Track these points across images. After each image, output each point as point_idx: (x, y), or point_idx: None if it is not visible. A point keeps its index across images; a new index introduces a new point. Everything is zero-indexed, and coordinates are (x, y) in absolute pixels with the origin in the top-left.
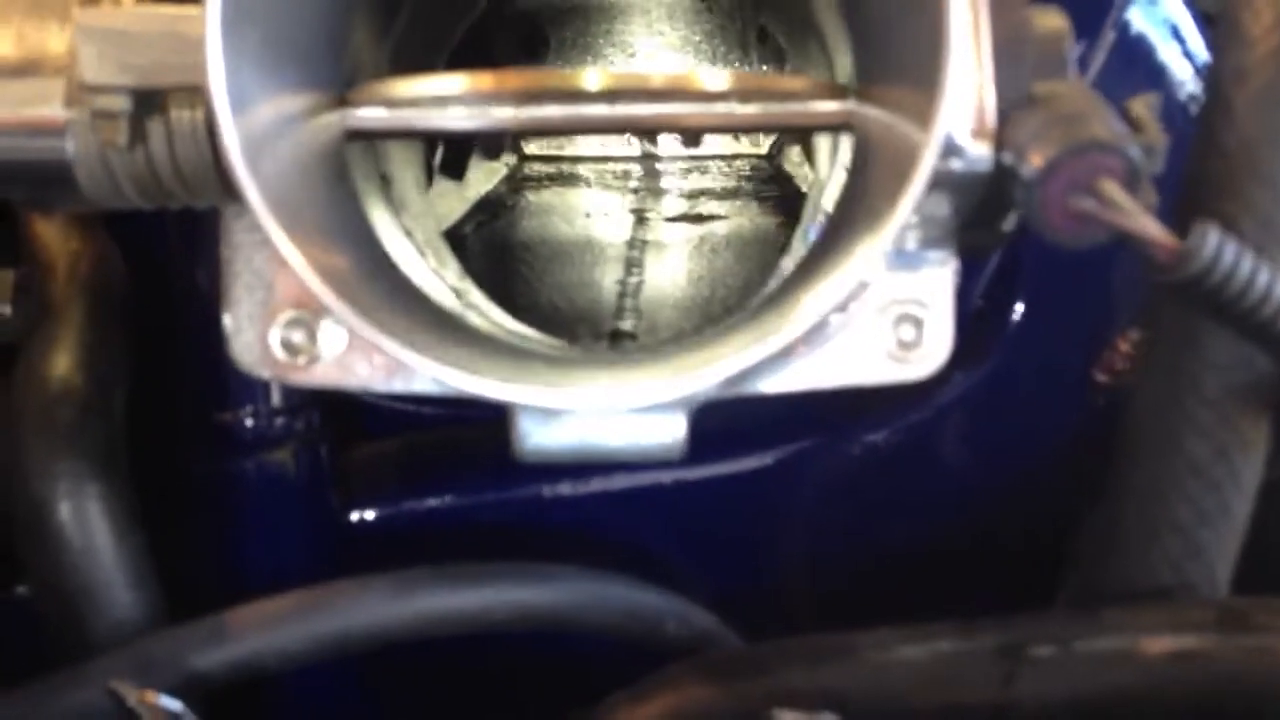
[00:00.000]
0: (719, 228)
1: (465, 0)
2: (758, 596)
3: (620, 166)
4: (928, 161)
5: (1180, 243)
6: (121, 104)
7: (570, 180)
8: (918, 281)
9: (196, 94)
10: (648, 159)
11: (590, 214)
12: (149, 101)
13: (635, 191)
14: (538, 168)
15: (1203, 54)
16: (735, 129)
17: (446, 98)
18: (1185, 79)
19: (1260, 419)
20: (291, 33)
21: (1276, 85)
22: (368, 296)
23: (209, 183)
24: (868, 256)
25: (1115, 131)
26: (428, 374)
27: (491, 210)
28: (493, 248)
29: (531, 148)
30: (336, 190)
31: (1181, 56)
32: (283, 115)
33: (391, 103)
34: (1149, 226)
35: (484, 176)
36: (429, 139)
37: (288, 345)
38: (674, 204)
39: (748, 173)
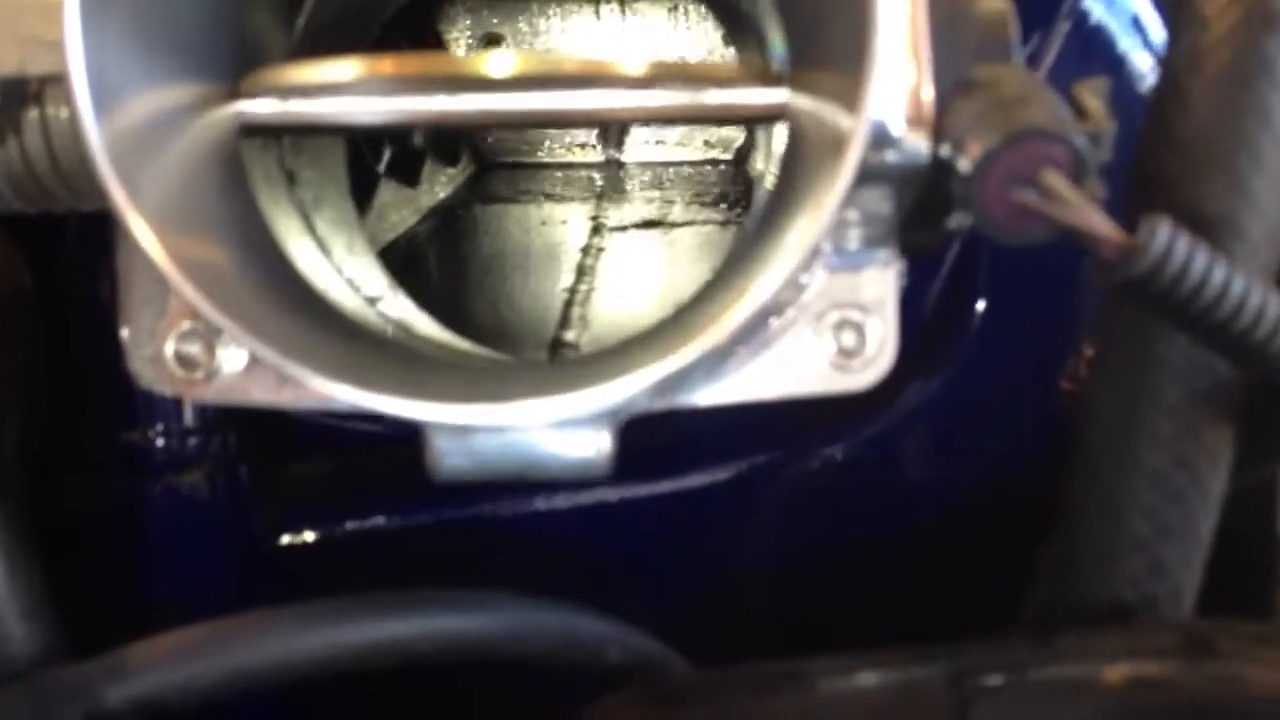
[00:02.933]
0: (678, 235)
1: None
2: (711, 621)
3: (583, 174)
4: (855, 150)
5: (1128, 238)
6: None
7: (530, 187)
8: (860, 284)
9: None
10: (611, 164)
11: (547, 222)
12: (17, 92)
13: (597, 199)
14: (497, 175)
15: (1164, 45)
16: (658, 119)
17: (342, 84)
18: (1145, 72)
19: (1223, 426)
20: (172, 13)
21: (1233, 70)
22: (258, 305)
23: (94, 185)
24: (794, 254)
25: (1059, 118)
26: (316, 388)
27: (445, 218)
28: (445, 257)
29: (490, 154)
30: (231, 193)
31: (1142, 48)
32: (163, 108)
33: (284, 91)
34: (1095, 221)
35: (440, 184)
36: (357, 138)
37: (183, 359)
38: (635, 211)
39: (714, 179)
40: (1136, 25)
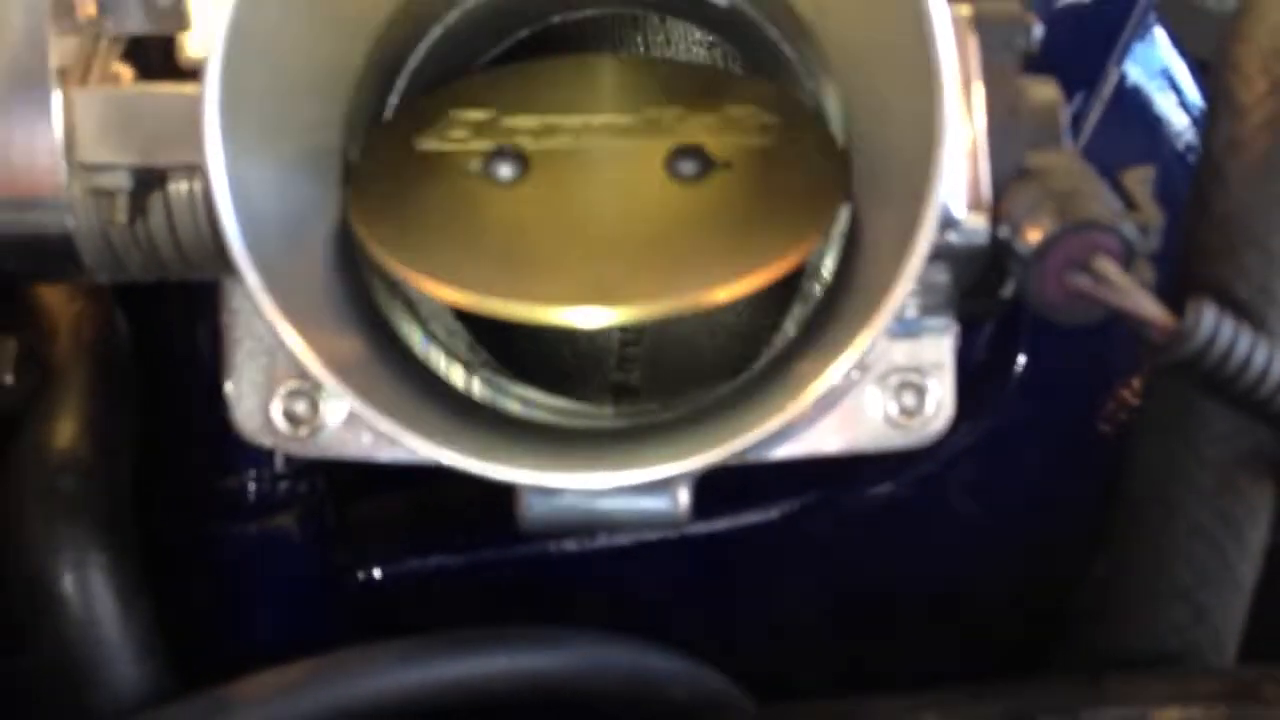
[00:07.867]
0: None
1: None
2: (764, 654)
3: None
4: (923, 241)
5: (1176, 321)
6: (121, 182)
7: None
8: (918, 349)
9: (195, 168)
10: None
11: None
12: (149, 179)
13: None
14: None
15: (1199, 101)
16: None
17: None
18: (1182, 128)
19: (1264, 481)
20: (296, 107)
21: (1270, 155)
22: (370, 377)
23: (208, 257)
24: (867, 338)
25: (1111, 210)
26: (430, 457)
27: None
28: None
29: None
30: (341, 266)
31: (1178, 106)
32: (285, 193)
33: None
34: (1144, 305)
35: None
36: None
37: (290, 416)
38: None
39: None
40: (1171, 84)
